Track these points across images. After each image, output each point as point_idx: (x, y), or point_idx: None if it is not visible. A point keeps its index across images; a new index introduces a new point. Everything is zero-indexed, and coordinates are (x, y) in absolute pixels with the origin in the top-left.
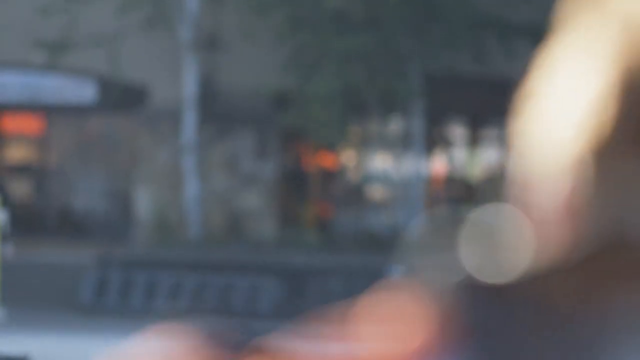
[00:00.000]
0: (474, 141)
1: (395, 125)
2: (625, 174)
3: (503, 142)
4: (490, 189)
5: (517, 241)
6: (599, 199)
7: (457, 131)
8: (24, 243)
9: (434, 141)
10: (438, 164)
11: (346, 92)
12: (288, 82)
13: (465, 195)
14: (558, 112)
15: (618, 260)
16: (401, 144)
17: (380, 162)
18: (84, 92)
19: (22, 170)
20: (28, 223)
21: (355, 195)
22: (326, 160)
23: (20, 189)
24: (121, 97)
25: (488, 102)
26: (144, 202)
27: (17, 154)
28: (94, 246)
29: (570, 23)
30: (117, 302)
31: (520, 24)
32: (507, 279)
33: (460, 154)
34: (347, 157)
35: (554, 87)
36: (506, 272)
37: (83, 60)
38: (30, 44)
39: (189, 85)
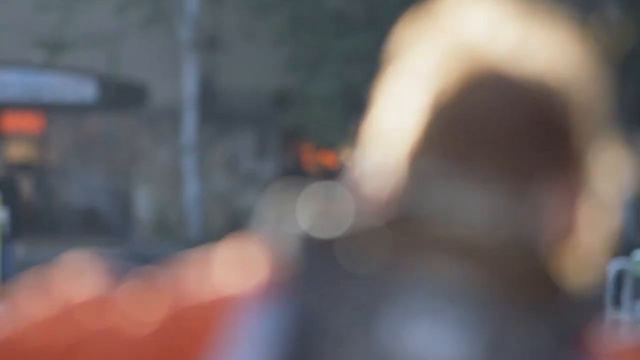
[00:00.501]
0: None
1: None
2: (429, 172)
3: None
4: None
5: (342, 209)
6: (407, 188)
7: None
8: (22, 241)
9: None
10: None
11: (346, 92)
12: (288, 82)
13: None
14: (389, 120)
15: (412, 235)
16: None
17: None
18: (83, 91)
19: (21, 168)
20: (27, 221)
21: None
22: (326, 160)
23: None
24: (121, 96)
25: None
26: (144, 201)
27: (17, 152)
28: (93, 245)
29: (405, 46)
30: None
31: None
32: (333, 235)
33: None
34: (347, 157)
35: (388, 98)
36: (332, 230)
37: (83, 59)
38: (30, 43)
39: (189, 85)
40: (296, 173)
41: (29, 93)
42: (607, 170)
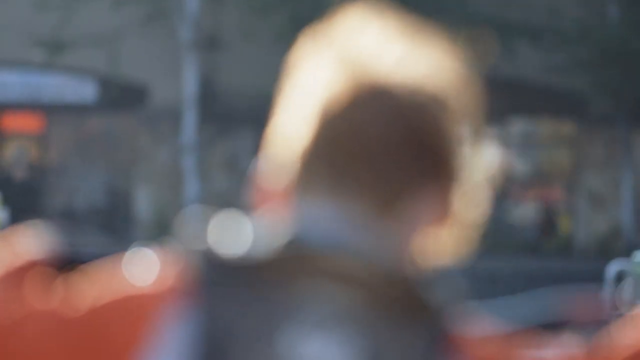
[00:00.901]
0: (474, 140)
1: None
2: (312, 182)
3: (504, 141)
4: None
5: (245, 232)
6: (297, 196)
7: None
8: None
9: None
10: None
11: None
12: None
13: None
14: (284, 129)
15: (301, 259)
16: None
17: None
18: (84, 91)
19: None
20: (28, 222)
21: None
22: None
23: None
24: (121, 97)
25: (488, 101)
26: (144, 201)
27: (9, 155)
28: (93, 245)
29: (301, 60)
30: None
31: (518, 23)
32: (237, 255)
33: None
34: None
35: (285, 108)
36: (237, 250)
37: (83, 60)
38: (30, 43)
39: (189, 85)
40: None
41: (28, 93)
42: (477, 168)
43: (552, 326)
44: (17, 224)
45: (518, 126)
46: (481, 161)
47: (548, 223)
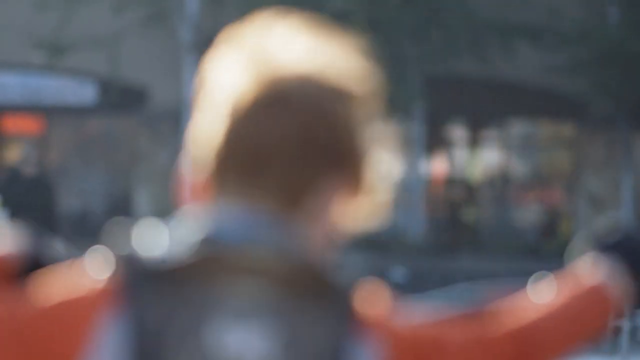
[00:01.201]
0: (474, 142)
1: (395, 126)
2: (224, 181)
3: (504, 143)
4: (491, 190)
5: (167, 234)
6: (213, 194)
7: (458, 132)
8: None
9: (434, 142)
10: (438, 166)
11: None
12: None
13: (465, 196)
14: (201, 128)
15: (219, 258)
16: (401, 145)
17: (380, 163)
18: (84, 92)
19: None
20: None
21: None
22: None
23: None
24: (121, 98)
25: (488, 103)
26: (144, 202)
27: (17, 154)
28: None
29: (215, 64)
30: None
31: (519, 25)
32: (157, 257)
33: (460, 155)
34: None
35: (200, 109)
36: (158, 252)
37: (83, 61)
38: (30, 45)
39: (189, 87)
40: None
41: (29, 95)
42: (380, 157)
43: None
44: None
45: (518, 128)
46: (382, 141)
47: (548, 225)
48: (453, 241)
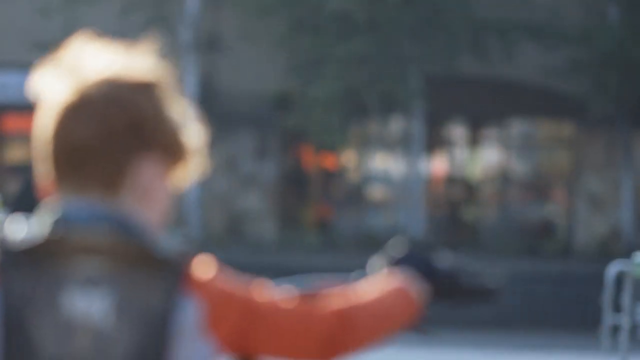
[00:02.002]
0: (474, 141)
1: (395, 126)
2: (60, 178)
3: (504, 142)
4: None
5: (30, 223)
6: (55, 189)
7: (458, 132)
8: None
9: (434, 142)
10: (438, 165)
11: (347, 94)
12: (289, 84)
13: (465, 195)
14: (38, 133)
15: (65, 240)
16: (401, 145)
17: (381, 162)
18: None
19: (22, 170)
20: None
21: (355, 196)
22: (326, 161)
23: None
24: None
25: (488, 102)
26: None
27: (17, 154)
28: None
29: (45, 78)
30: None
31: (519, 25)
32: (20, 240)
33: (460, 154)
34: (348, 158)
35: (37, 116)
36: (21, 237)
37: None
38: (31, 45)
39: (189, 87)
40: (296, 175)
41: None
42: (192, 137)
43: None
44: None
45: (518, 127)
46: (187, 115)
47: (548, 224)
48: (453, 240)
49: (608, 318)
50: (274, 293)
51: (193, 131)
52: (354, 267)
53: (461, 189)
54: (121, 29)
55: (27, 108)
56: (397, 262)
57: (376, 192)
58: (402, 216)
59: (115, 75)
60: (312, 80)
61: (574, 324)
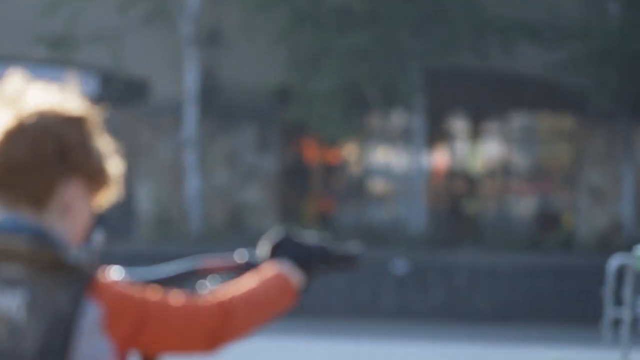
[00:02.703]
0: (475, 135)
1: (396, 119)
2: None
3: (504, 136)
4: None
5: None
6: None
7: (459, 125)
8: None
9: (435, 135)
10: (439, 158)
11: (348, 88)
12: (290, 78)
13: (466, 189)
14: None
15: None
16: (402, 138)
17: (382, 156)
18: (85, 86)
19: None
20: None
21: (356, 189)
22: (328, 155)
23: None
24: (122, 92)
25: (489, 96)
26: (145, 196)
27: None
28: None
29: None
30: None
31: (519, 20)
32: None
33: (461, 147)
34: (349, 152)
35: None
36: None
37: (85, 55)
38: (32, 39)
39: (190, 80)
40: (297, 168)
41: None
42: (109, 153)
43: (189, 274)
44: None
45: (518, 121)
46: (109, 148)
47: (549, 218)
48: (454, 233)
49: (609, 311)
50: (165, 295)
51: (113, 162)
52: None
53: (462, 182)
54: (122, 23)
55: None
56: (274, 249)
57: (377, 185)
58: (403, 209)
59: (48, 108)
60: (313, 73)
61: (575, 317)
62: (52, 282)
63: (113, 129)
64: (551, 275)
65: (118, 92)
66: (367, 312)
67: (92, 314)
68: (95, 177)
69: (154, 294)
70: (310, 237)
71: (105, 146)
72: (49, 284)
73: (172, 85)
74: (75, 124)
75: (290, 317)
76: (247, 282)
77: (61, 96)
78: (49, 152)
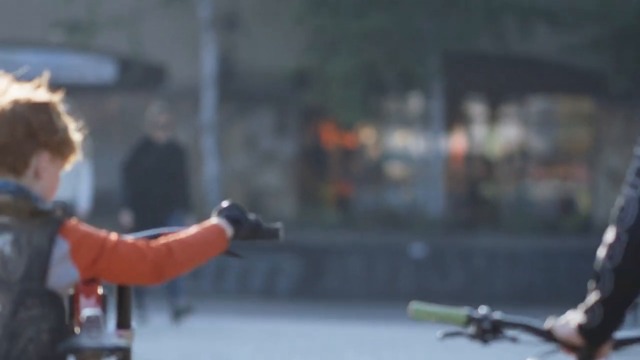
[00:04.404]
0: (493, 118)
1: (414, 103)
2: None
3: (523, 119)
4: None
5: None
6: None
7: (477, 109)
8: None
9: (453, 119)
10: (457, 142)
11: (365, 70)
12: (307, 61)
13: (484, 172)
14: None
15: None
16: (420, 122)
17: (400, 140)
18: (103, 71)
19: None
20: None
21: (374, 173)
22: (346, 139)
23: None
24: (140, 76)
25: (507, 79)
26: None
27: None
28: (112, 227)
29: None
30: None
31: (537, 3)
32: None
33: (479, 131)
34: (367, 135)
35: None
36: None
37: (102, 39)
38: (50, 23)
39: (208, 64)
40: (315, 152)
41: (48, 73)
42: (74, 130)
43: (158, 236)
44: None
45: (537, 104)
46: (75, 125)
47: (567, 201)
48: (472, 217)
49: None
50: (121, 236)
51: (75, 135)
52: (373, 244)
53: (480, 166)
54: (140, 8)
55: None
56: (220, 211)
57: (395, 169)
58: (421, 193)
59: (21, 98)
60: (330, 57)
61: None
62: (32, 226)
63: (130, 114)
64: (570, 258)
65: (136, 76)
66: (386, 296)
67: (62, 248)
68: (60, 149)
69: (112, 235)
70: (250, 214)
71: (68, 123)
72: (29, 227)
73: (190, 69)
74: (42, 108)
75: (308, 301)
76: (190, 231)
77: (33, 89)
78: (21, 132)
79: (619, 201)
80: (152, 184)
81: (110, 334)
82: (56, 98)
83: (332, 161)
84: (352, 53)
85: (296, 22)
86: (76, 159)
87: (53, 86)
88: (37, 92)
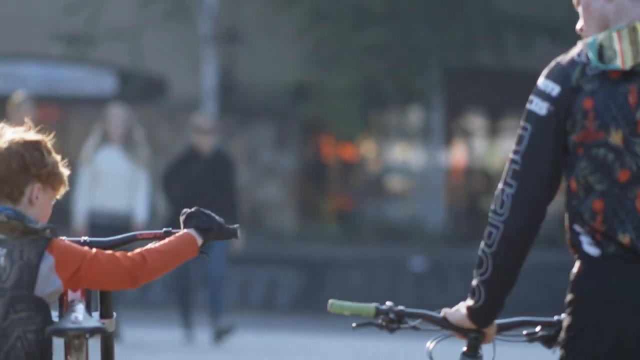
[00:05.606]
0: (493, 132)
1: (414, 117)
2: None
3: None
4: None
5: None
6: None
7: (477, 122)
8: None
9: (453, 132)
10: (457, 155)
11: (365, 84)
12: (308, 75)
13: (484, 186)
14: None
15: None
16: (421, 135)
17: (400, 153)
18: (103, 83)
19: None
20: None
21: (374, 186)
22: (346, 152)
23: None
24: (141, 89)
25: (507, 93)
26: (163, 193)
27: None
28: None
29: None
30: (137, 295)
31: (538, 18)
32: None
33: (479, 145)
34: (367, 149)
35: None
36: None
37: (103, 52)
38: (50, 36)
39: (208, 78)
40: (315, 165)
41: (48, 85)
42: (61, 169)
43: (132, 240)
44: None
45: None
46: (59, 161)
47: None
48: (472, 231)
49: None
50: (100, 250)
51: (63, 169)
52: (373, 257)
53: (480, 179)
54: (140, 21)
55: (46, 100)
56: (189, 220)
57: (395, 182)
58: (422, 207)
59: (16, 137)
60: (331, 70)
61: None
62: (24, 242)
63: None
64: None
65: (136, 89)
66: None
67: (48, 262)
68: (50, 180)
69: (91, 250)
70: (210, 214)
71: (56, 158)
72: (21, 243)
73: (191, 82)
74: (34, 146)
75: (308, 314)
76: (164, 241)
77: (25, 131)
78: (16, 166)
79: (496, 196)
80: (197, 197)
81: (90, 319)
82: (45, 138)
83: (333, 175)
84: (352, 67)
85: (296, 36)
86: (61, 191)
87: (53, 98)
88: (29, 133)
